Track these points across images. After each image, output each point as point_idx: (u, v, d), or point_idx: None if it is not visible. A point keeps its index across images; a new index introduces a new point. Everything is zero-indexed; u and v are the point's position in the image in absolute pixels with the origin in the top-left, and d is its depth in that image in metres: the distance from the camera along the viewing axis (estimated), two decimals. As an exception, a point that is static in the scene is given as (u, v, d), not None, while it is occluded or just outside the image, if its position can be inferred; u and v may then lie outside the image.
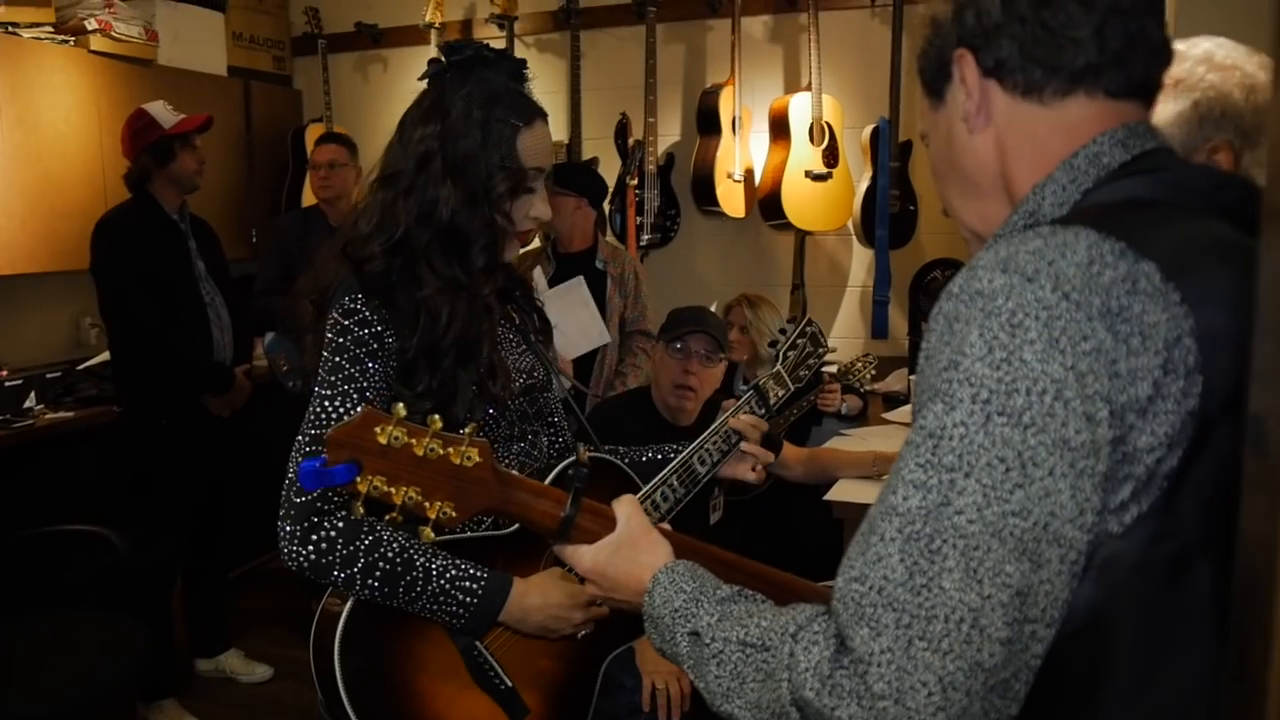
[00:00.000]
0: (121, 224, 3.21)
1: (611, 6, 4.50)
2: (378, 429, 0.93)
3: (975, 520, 0.70)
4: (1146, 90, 0.88)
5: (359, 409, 1.32)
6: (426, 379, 1.39)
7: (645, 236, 4.30)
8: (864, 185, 4.17)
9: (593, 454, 1.55)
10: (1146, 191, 0.82)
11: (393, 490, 0.94)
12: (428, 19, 4.53)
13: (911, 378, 3.67)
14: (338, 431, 0.92)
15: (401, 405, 0.95)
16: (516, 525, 1.44)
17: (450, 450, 0.96)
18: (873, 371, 3.60)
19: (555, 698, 1.47)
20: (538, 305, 1.65)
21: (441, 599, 1.34)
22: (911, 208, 4.18)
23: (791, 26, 4.38)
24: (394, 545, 1.34)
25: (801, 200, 4.11)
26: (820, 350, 1.90)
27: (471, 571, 1.37)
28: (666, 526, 1.16)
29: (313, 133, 4.66)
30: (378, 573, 1.32)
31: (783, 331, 1.91)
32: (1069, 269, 0.72)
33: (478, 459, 0.97)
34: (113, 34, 3.89)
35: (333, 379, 1.36)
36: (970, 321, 0.73)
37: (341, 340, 1.37)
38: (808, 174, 4.10)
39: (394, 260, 1.41)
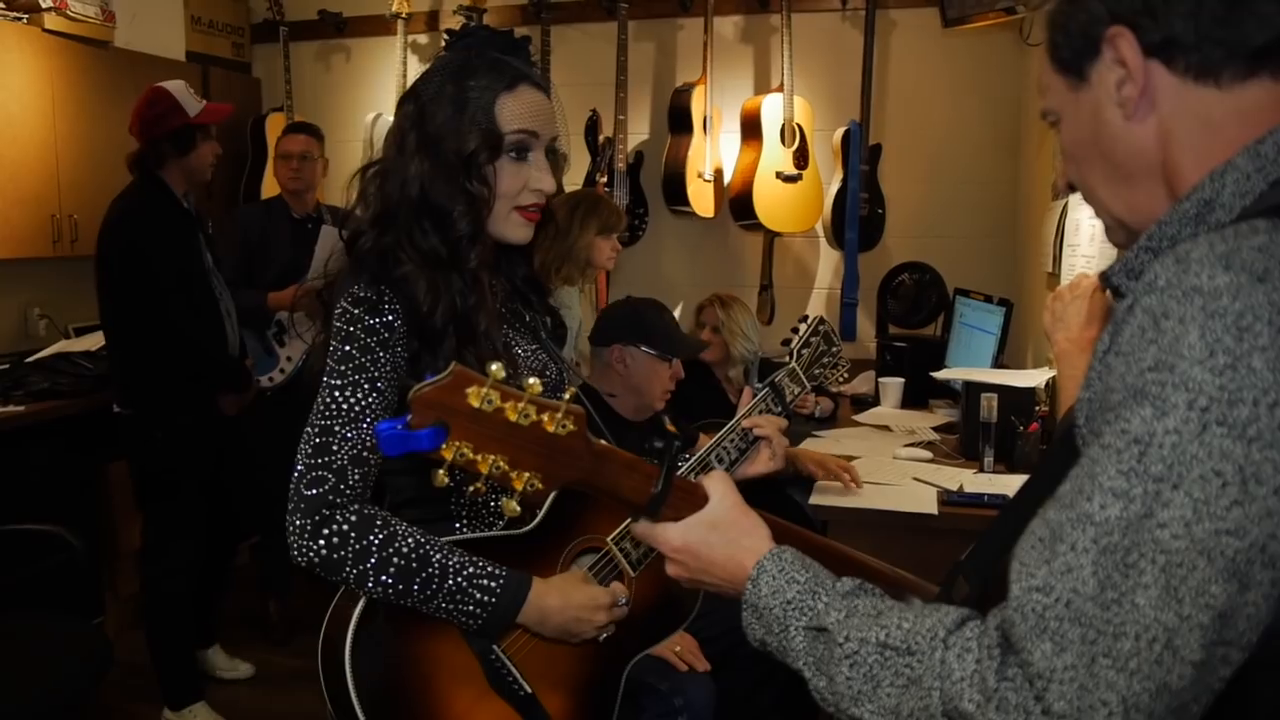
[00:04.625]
0: (140, 211, 3.03)
1: (582, 2, 4.46)
2: (470, 390, 0.85)
3: (1181, 536, 0.66)
4: None
5: (371, 398, 1.31)
6: (430, 364, 1.34)
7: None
8: (834, 188, 4.18)
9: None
10: None
11: (479, 458, 0.87)
12: (394, 9, 4.45)
13: (880, 380, 3.68)
14: (427, 391, 0.85)
15: (498, 365, 0.87)
16: (534, 524, 1.40)
17: (545, 417, 0.89)
18: (845, 374, 3.60)
19: (577, 703, 1.43)
20: (551, 305, 1.60)
21: (458, 597, 1.29)
22: (880, 211, 4.21)
23: (763, 27, 4.38)
24: (409, 540, 1.29)
25: (772, 201, 4.11)
26: (834, 349, 1.89)
27: (489, 569, 1.32)
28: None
29: (274, 122, 4.55)
30: (392, 569, 1.27)
31: (795, 330, 1.89)
32: None
33: (572, 427, 0.90)
34: (68, 12, 3.75)
35: (343, 368, 1.31)
36: (1187, 321, 0.67)
37: (351, 329, 1.32)
38: (779, 175, 4.10)
39: (383, 238, 1.38)
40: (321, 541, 1.27)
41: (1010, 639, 0.71)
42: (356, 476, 1.30)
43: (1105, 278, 0.86)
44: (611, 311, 2.68)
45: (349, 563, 1.27)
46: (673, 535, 1.00)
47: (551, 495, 1.41)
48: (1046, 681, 0.68)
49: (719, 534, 0.99)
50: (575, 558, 1.46)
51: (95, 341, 3.81)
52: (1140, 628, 0.66)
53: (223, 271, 3.64)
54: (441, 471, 0.87)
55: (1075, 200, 2.93)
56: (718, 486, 1.02)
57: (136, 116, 3.04)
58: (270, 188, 4.36)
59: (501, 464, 0.88)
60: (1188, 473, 0.65)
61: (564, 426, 0.90)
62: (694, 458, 1.61)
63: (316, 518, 1.27)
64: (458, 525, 1.44)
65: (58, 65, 3.78)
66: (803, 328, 1.90)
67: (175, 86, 3.05)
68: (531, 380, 0.90)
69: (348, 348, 1.32)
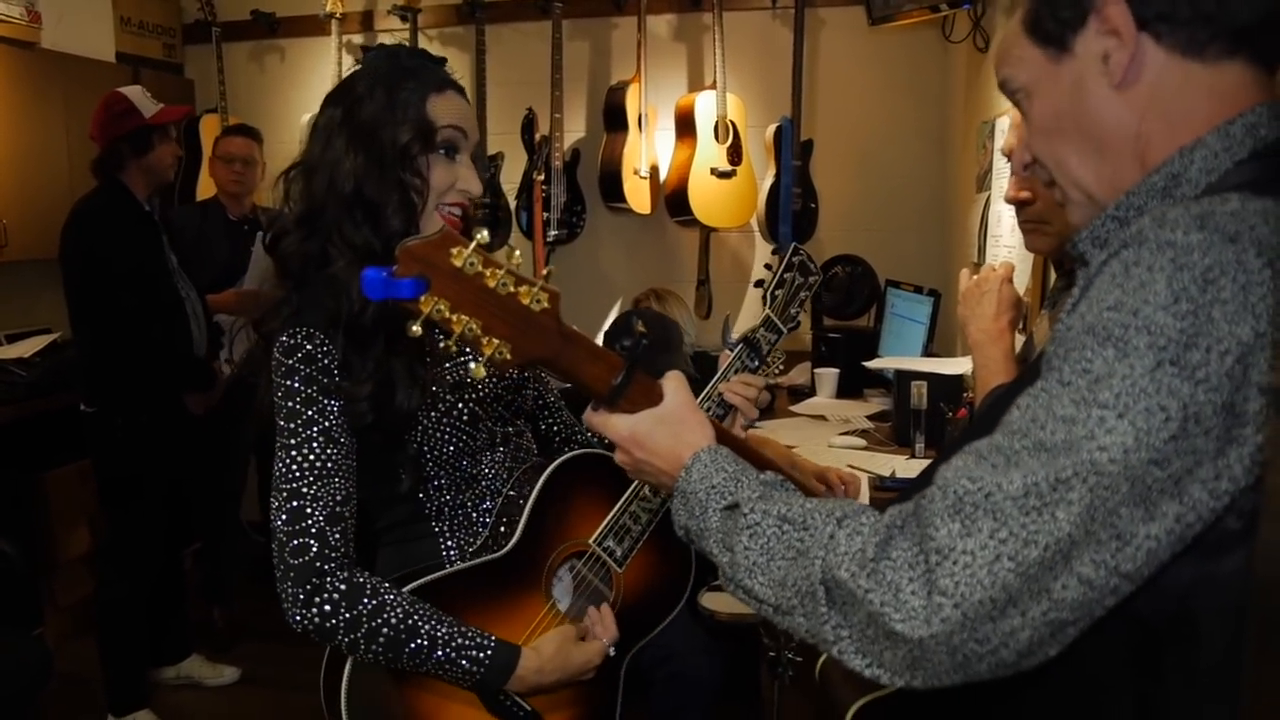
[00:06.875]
0: (101, 213, 3.04)
1: (516, 1, 4.48)
2: (454, 250, 0.89)
3: (1118, 460, 0.68)
4: None
5: (329, 450, 1.31)
6: (360, 366, 1.33)
7: (552, 232, 4.31)
8: (767, 183, 4.26)
9: (580, 451, 1.53)
10: None
11: (454, 318, 0.90)
12: (328, 9, 4.43)
13: (816, 371, 3.77)
14: (414, 245, 0.88)
15: (485, 233, 0.91)
16: (513, 544, 1.43)
17: (521, 289, 0.92)
18: (780, 366, 3.67)
19: (579, 708, 1.47)
20: None
21: (447, 666, 1.32)
22: (813, 205, 4.29)
23: (695, 25, 4.44)
24: (398, 611, 1.30)
25: (707, 197, 4.18)
26: (811, 279, 1.75)
27: (478, 640, 1.34)
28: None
29: (208, 124, 4.51)
30: (381, 639, 1.29)
31: (767, 267, 1.76)
32: (1271, 238, 0.70)
33: (546, 305, 0.94)
34: (-8, 15, 3.70)
35: (292, 426, 1.31)
36: (1156, 270, 0.70)
37: (290, 383, 1.32)
38: (713, 171, 4.17)
39: (310, 240, 1.37)
40: (314, 610, 1.28)
41: (921, 514, 0.74)
42: (337, 536, 1.30)
43: (1073, 245, 0.89)
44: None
45: (340, 631, 1.29)
46: (622, 425, 1.04)
47: (527, 512, 1.44)
48: (942, 558, 0.71)
49: (665, 428, 1.03)
50: (559, 565, 1.49)
51: (29, 348, 3.75)
52: (1051, 539, 0.69)
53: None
54: (416, 325, 0.90)
55: (998, 193, 3.03)
56: (671, 385, 1.06)
57: (95, 121, 3.08)
58: (205, 189, 4.32)
59: (474, 327, 0.91)
60: (1135, 404, 0.69)
61: (538, 302, 0.94)
62: None
63: (308, 586, 1.28)
64: (445, 543, 1.47)
65: (-18, 68, 3.71)
66: (776, 262, 1.75)
67: (131, 91, 3.12)
68: (516, 252, 0.93)
69: (291, 404, 1.31)
